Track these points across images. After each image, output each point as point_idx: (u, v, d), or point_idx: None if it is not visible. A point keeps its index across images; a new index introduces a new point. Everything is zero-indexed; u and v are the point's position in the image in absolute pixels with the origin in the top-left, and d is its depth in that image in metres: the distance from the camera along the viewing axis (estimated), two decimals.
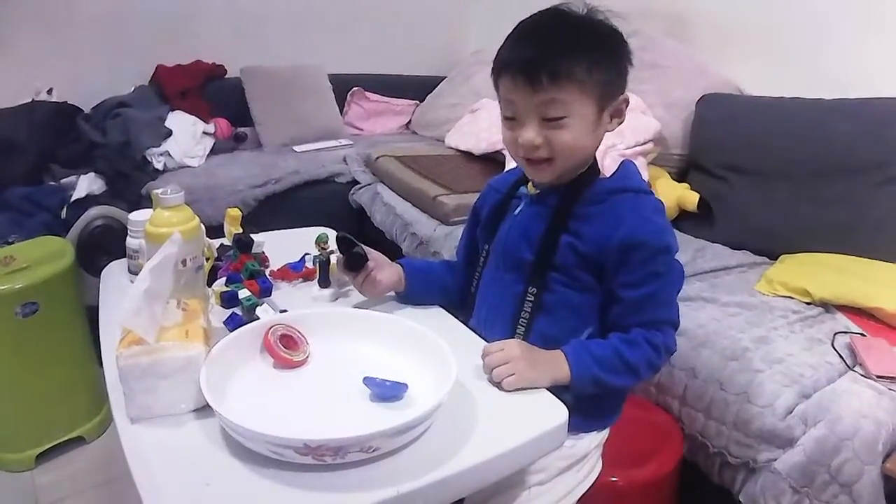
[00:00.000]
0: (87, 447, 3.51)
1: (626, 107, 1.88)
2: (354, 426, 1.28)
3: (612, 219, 1.82)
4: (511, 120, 1.85)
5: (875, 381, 2.42)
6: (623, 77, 1.85)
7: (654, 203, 1.88)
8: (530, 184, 2.01)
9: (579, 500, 2.01)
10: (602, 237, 1.81)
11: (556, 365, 1.72)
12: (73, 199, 4.34)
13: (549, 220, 1.90)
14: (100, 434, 3.58)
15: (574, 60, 1.72)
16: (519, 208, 2.02)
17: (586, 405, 1.70)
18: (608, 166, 2.02)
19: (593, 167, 1.92)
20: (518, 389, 1.65)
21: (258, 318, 1.84)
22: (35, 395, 3.31)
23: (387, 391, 1.53)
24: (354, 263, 2.01)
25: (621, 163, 1.98)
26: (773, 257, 3.49)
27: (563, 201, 1.90)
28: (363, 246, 2.05)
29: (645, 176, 3.82)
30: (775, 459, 2.30)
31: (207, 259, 2.07)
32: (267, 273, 2.24)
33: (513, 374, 1.65)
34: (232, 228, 2.38)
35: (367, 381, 1.55)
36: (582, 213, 1.87)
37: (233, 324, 1.85)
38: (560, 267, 1.87)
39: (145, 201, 4.24)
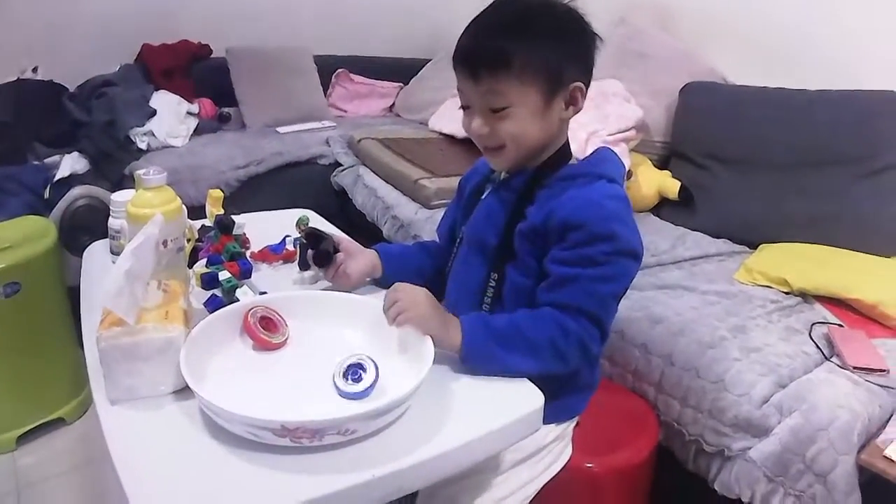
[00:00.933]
0: (68, 428, 3.51)
1: (583, 95, 1.85)
2: (332, 408, 1.31)
3: (561, 200, 1.79)
4: (465, 108, 1.87)
5: (852, 371, 2.44)
6: (576, 63, 1.82)
7: (612, 189, 1.83)
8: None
9: (546, 486, 2.02)
10: (546, 215, 1.79)
11: (451, 328, 1.68)
12: (56, 178, 4.33)
13: (510, 207, 1.91)
14: (80, 415, 3.58)
15: (512, 50, 1.72)
16: (487, 192, 2.04)
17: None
18: (590, 152, 2.02)
19: (562, 152, 1.92)
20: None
21: (238, 300, 1.84)
22: (16, 376, 3.31)
23: (360, 396, 1.50)
24: (321, 260, 2.02)
25: (597, 149, 1.97)
26: (753, 246, 3.52)
27: (526, 187, 1.90)
28: (333, 236, 2.07)
29: (627, 163, 3.83)
30: (750, 448, 2.31)
31: (188, 240, 2.08)
32: (247, 255, 2.23)
33: (408, 312, 1.65)
34: (213, 209, 2.37)
35: (342, 394, 1.51)
36: (539, 198, 1.87)
37: (213, 305, 1.84)
38: (516, 253, 1.87)
39: (128, 181, 4.22)
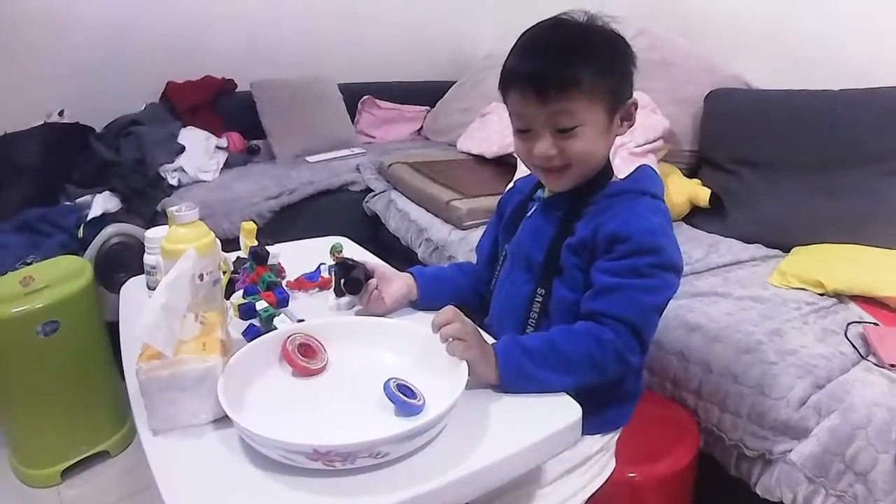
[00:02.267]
0: (112, 461, 3.54)
1: (636, 109, 1.90)
2: (367, 432, 1.31)
3: (608, 215, 1.83)
4: (524, 132, 1.88)
5: (888, 369, 2.42)
6: (629, 80, 1.87)
7: (656, 205, 1.88)
8: (546, 188, 2.03)
9: (592, 497, 2.02)
10: (595, 228, 1.82)
11: (490, 359, 1.67)
12: (89, 217, 4.34)
13: (558, 223, 1.93)
14: (124, 448, 3.60)
15: (580, 69, 1.74)
16: (532, 210, 2.06)
17: (584, 406, 1.63)
18: (618, 166, 2.04)
19: (606, 170, 1.94)
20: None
21: (276, 329, 1.86)
22: (59, 412, 3.33)
23: (404, 409, 1.52)
24: (353, 288, 2.04)
25: (638, 167, 1.99)
26: (786, 250, 3.49)
27: (573, 204, 1.92)
28: (366, 263, 2.09)
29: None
30: (790, 450, 2.30)
31: (224, 273, 2.10)
32: (283, 284, 2.26)
33: (465, 341, 1.64)
34: (247, 241, 2.39)
35: (389, 392, 1.53)
36: (587, 214, 1.89)
37: (251, 334, 1.86)
38: (563, 269, 1.89)
39: (161, 217, 4.25)
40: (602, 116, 1.81)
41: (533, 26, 1.89)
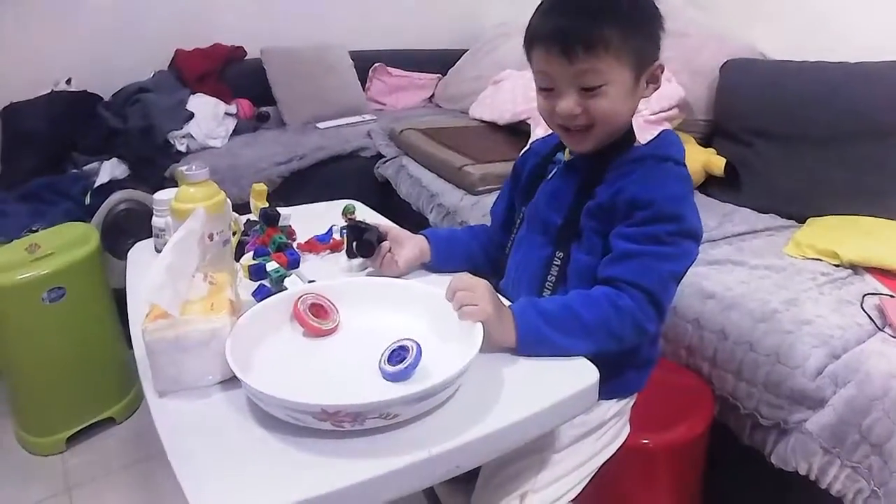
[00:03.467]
0: (117, 428, 3.56)
1: (661, 72, 1.87)
2: (377, 392, 1.31)
3: (630, 180, 1.81)
4: (547, 90, 1.86)
5: None
6: (656, 43, 1.85)
7: (678, 171, 1.86)
8: (566, 150, 2.02)
9: (605, 463, 2.02)
10: (615, 193, 1.81)
11: (506, 321, 1.67)
12: (96, 184, 4.38)
13: (578, 187, 1.91)
14: (129, 415, 3.63)
15: (608, 28, 1.72)
16: (552, 173, 2.05)
17: (601, 371, 1.62)
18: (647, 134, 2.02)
19: (628, 134, 1.93)
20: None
21: (286, 290, 1.85)
22: (64, 379, 3.34)
23: (402, 375, 1.51)
24: (365, 250, 2.04)
25: (661, 132, 1.98)
26: (801, 221, 3.48)
27: (595, 168, 1.91)
28: (378, 226, 2.08)
29: None
30: (806, 420, 2.29)
31: (234, 233, 2.08)
32: (294, 246, 2.25)
33: (475, 305, 1.62)
34: (258, 203, 2.38)
35: (385, 374, 1.52)
36: (608, 179, 1.87)
37: (261, 295, 1.85)
38: (582, 233, 1.87)
39: (169, 183, 4.25)
40: (628, 76, 1.79)
41: None
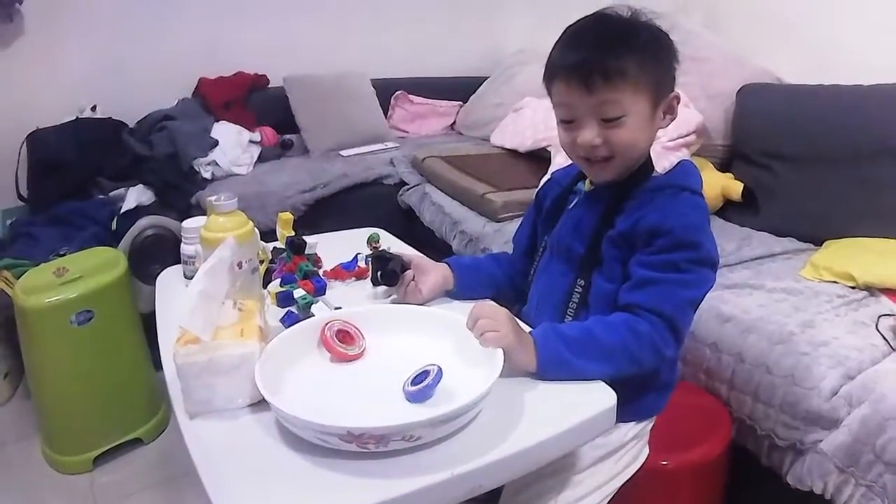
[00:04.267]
0: (145, 448, 3.57)
1: (678, 103, 1.91)
2: (401, 416, 1.34)
3: (649, 209, 1.85)
4: (568, 123, 1.90)
5: None
6: (671, 74, 1.89)
7: (695, 200, 1.89)
8: (587, 180, 2.05)
9: (626, 484, 2.04)
10: (635, 221, 1.84)
11: (527, 346, 1.69)
12: (122, 210, 4.41)
13: (599, 216, 1.95)
14: (157, 435, 3.64)
15: (626, 60, 1.76)
16: (574, 203, 2.09)
17: (620, 394, 1.65)
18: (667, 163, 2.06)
19: (647, 164, 1.96)
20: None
21: (313, 316, 1.89)
22: (93, 400, 3.37)
23: (423, 394, 1.55)
24: (389, 280, 2.07)
25: (679, 162, 2.01)
26: (818, 243, 3.48)
27: (615, 197, 1.94)
28: (402, 255, 2.11)
29: None
30: (821, 440, 2.31)
31: (262, 262, 2.12)
32: (320, 273, 2.28)
33: (497, 332, 1.65)
34: (284, 232, 2.42)
35: (407, 395, 1.56)
36: (628, 208, 1.90)
37: (289, 321, 1.89)
38: (603, 261, 1.90)
39: (195, 210, 4.30)
40: (646, 107, 1.83)
41: (577, 21, 1.91)
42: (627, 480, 2.05)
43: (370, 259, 2.19)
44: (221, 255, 1.69)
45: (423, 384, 1.54)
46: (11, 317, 3.35)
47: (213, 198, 1.90)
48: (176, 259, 2.38)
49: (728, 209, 4.02)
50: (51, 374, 3.32)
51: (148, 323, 2.08)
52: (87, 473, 3.39)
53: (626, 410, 1.70)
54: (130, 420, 3.55)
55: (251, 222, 1.93)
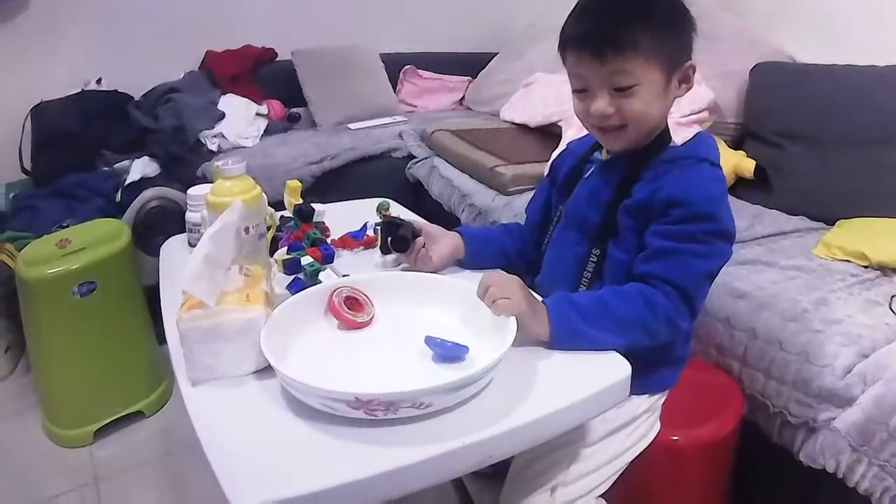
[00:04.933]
0: (146, 421, 3.57)
1: (694, 72, 1.89)
2: (411, 383, 1.31)
3: (666, 179, 1.83)
4: (582, 92, 1.89)
5: None
6: (687, 44, 1.87)
7: (713, 172, 1.88)
8: (604, 150, 2.04)
9: (635, 460, 2.04)
10: (652, 192, 1.83)
11: (540, 315, 1.69)
12: (127, 182, 4.40)
13: (616, 186, 1.93)
14: (159, 408, 3.64)
15: (637, 30, 1.74)
16: (589, 172, 2.07)
17: (634, 367, 1.64)
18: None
19: (664, 134, 1.95)
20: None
21: (321, 283, 1.86)
22: (94, 372, 3.36)
23: (447, 352, 1.55)
24: (400, 245, 2.05)
25: (697, 133, 2.00)
26: (830, 223, 3.47)
27: (632, 167, 1.92)
28: (412, 223, 2.11)
29: None
30: (834, 418, 2.30)
31: (269, 228, 2.10)
32: (328, 241, 2.26)
33: (508, 299, 1.64)
34: (292, 199, 2.40)
35: (429, 340, 1.57)
36: (645, 178, 1.89)
37: (296, 288, 1.87)
38: (619, 231, 1.89)
39: (200, 182, 4.24)
40: (659, 77, 1.81)
41: None
42: (638, 455, 2.05)
43: (380, 226, 2.17)
44: (228, 219, 1.66)
45: (449, 343, 1.54)
46: (13, 290, 3.35)
47: (220, 162, 1.87)
48: (181, 231, 2.37)
49: (740, 187, 4.01)
50: (52, 346, 3.32)
51: (151, 296, 2.05)
52: (87, 447, 3.39)
53: (639, 383, 1.69)
54: (132, 393, 3.55)
55: (259, 187, 1.91)
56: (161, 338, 1.77)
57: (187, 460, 3.18)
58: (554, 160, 2.33)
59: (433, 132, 5.13)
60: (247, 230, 1.79)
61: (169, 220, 3.81)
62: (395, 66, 6.36)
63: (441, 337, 1.58)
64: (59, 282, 3.16)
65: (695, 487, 2.45)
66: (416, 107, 6.49)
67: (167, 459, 3.29)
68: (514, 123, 5.30)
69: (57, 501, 3.06)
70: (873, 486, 2.21)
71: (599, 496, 1.99)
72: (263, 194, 1.93)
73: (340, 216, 2.44)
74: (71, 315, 3.24)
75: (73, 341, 3.28)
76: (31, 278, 3.15)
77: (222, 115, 4.99)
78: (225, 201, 1.76)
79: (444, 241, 2.11)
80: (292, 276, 1.98)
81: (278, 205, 2.42)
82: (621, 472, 2.02)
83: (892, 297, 2.64)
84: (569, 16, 1.88)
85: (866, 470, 2.22)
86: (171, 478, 3.19)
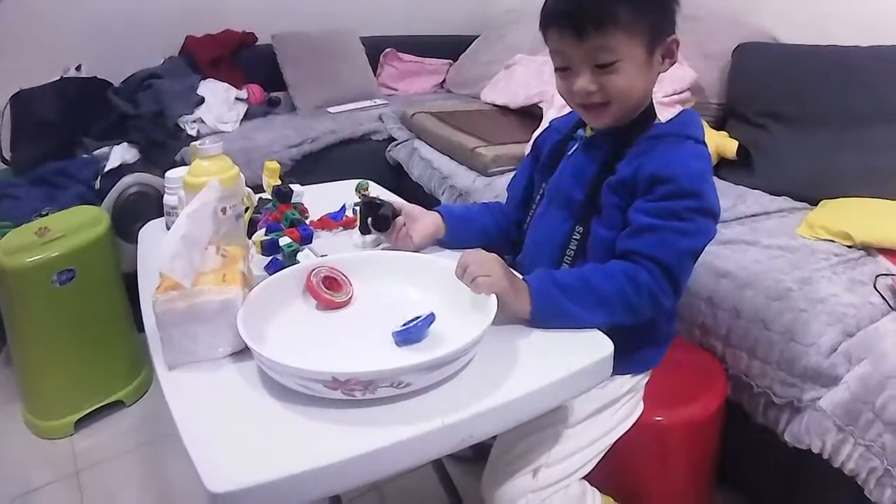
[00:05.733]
0: (126, 411, 3.56)
1: (677, 47, 1.88)
2: (389, 362, 1.31)
3: (651, 156, 1.83)
4: (564, 70, 1.89)
5: None
6: (670, 17, 1.86)
7: (698, 150, 1.88)
8: (588, 127, 2.03)
9: (619, 440, 2.04)
10: (636, 168, 1.82)
11: (520, 292, 1.68)
12: (106, 169, 4.38)
13: (600, 163, 1.93)
14: (139, 398, 3.63)
15: (617, 6, 1.74)
16: (573, 149, 2.07)
17: (617, 346, 1.63)
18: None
19: (648, 110, 1.94)
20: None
21: (299, 263, 1.85)
22: (73, 362, 3.35)
23: (413, 334, 1.54)
24: (381, 225, 2.04)
25: (682, 111, 1.99)
26: (814, 203, 3.46)
27: (616, 144, 1.92)
28: (391, 202, 2.10)
29: None
30: (819, 398, 2.29)
31: (247, 209, 2.08)
32: (307, 222, 2.25)
33: (488, 276, 1.63)
34: (270, 181, 2.39)
35: (395, 335, 1.56)
36: (629, 155, 1.89)
37: (274, 268, 1.86)
38: (602, 208, 1.89)
39: (179, 167, 4.26)
40: (641, 52, 1.81)
41: None
42: (622, 435, 2.05)
43: (360, 206, 2.15)
44: (205, 199, 1.65)
45: (411, 325, 1.52)
46: None
47: (197, 142, 1.86)
48: (160, 217, 2.35)
49: (722, 167, 4.00)
50: (32, 336, 3.30)
51: (131, 283, 2.04)
52: (68, 438, 3.38)
53: (623, 363, 1.68)
54: (112, 382, 3.54)
55: (236, 167, 1.90)
56: (140, 326, 1.75)
57: (168, 449, 3.18)
58: (537, 138, 2.32)
59: (413, 114, 5.13)
60: (224, 210, 1.78)
61: (148, 207, 3.80)
62: (376, 49, 6.36)
63: (412, 316, 1.58)
64: (39, 270, 3.14)
65: (679, 468, 2.44)
66: (396, 90, 6.50)
67: (148, 449, 3.27)
68: (495, 105, 5.32)
69: (39, 493, 3.05)
70: (859, 466, 2.20)
71: (583, 478, 1.98)
72: (241, 174, 1.92)
73: (319, 198, 2.44)
74: (50, 304, 3.22)
75: (52, 331, 3.27)
76: (9, 267, 3.13)
77: (202, 100, 4.97)
78: (202, 181, 1.74)
79: (425, 221, 2.11)
80: (270, 257, 1.96)
81: (258, 189, 2.42)
82: (605, 453, 2.01)
83: (877, 276, 2.63)
84: None
85: (852, 450, 2.21)
86: (152, 467, 3.18)
